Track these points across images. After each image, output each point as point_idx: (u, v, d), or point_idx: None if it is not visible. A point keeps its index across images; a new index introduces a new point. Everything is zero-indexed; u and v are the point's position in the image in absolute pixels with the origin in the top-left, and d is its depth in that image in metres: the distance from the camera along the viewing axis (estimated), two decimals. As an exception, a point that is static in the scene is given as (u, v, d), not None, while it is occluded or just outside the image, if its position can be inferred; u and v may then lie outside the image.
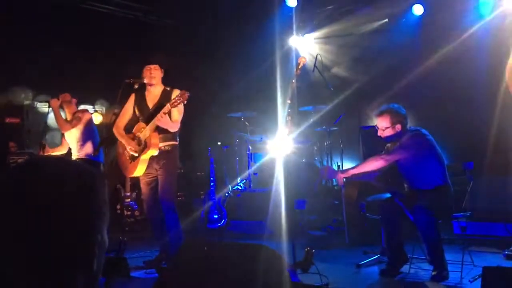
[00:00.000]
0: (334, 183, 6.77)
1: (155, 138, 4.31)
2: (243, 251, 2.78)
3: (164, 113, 4.19)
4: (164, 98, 4.45)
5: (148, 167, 4.44)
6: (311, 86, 7.13)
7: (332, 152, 7.06)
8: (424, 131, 3.96)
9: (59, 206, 0.84)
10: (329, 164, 7.06)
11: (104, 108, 8.11)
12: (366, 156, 5.40)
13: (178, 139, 4.55)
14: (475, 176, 5.22)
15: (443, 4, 7.07)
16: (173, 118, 4.40)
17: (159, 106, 4.38)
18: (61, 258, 0.83)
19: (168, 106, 4.19)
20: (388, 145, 4.11)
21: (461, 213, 4.09)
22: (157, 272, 4.08)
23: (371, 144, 5.94)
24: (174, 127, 4.39)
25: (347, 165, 7.21)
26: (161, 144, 4.40)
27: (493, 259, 4.31)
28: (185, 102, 4.23)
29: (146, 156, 4.36)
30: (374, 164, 3.87)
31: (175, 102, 4.18)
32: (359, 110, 7.26)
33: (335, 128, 7.05)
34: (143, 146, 4.37)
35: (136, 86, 4.50)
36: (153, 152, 4.34)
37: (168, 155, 4.43)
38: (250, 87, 7.45)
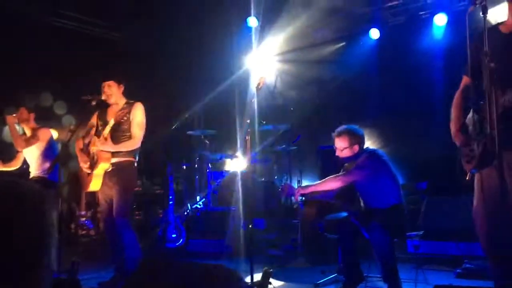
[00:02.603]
0: (293, 202, 6.82)
1: (104, 152, 4.27)
2: (201, 271, 2.75)
3: (105, 138, 4.23)
4: (125, 112, 4.42)
5: (103, 182, 4.39)
6: (271, 106, 7.21)
7: (291, 171, 7.12)
8: (380, 152, 4.08)
9: (4, 227, 0.82)
10: (289, 183, 7.11)
11: (72, 124, 7.94)
12: (323, 176, 5.46)
13: (136, 156, 4.47)
14: (429, 196, 5.41)
15: (398, 28, 7.36)
16: (133, 134, 4.35)
17: (117, 122, 4.37)
18: (5, 281, 0.81)
19: (112, 120, 4.22)
20: (346, 165, 4.19)
21: (415, 232, 4.20)
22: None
23: (328, 164, 6.04)
24: (131, 145, 4.35)
25: (306, 183, 7.29)
26: (115, 160, 4.35)
27: (445, 277, 4.42)
28: (129, 114, 4.25)
29: (98, 171, 4.31)
30: (332, 184, 3.94)
31: (117, 116, 4.23)
32: (317, 130, 7.37)
33: (294, 148, 7.13)
34: (95, 161, 4.32)
35: (94, 103, 4.42)
36: (104, 166, 4.30)
37: (123, 172, 4.36)
38: (211, 105, 7.45)
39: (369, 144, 7.21)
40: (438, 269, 4.73)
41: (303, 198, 4.15)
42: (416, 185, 4.46)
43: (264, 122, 6.70)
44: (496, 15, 3.27)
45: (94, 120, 4.54)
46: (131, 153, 4.44)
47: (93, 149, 4.38)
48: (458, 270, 4.48)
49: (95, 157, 4.34)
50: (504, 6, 2.85)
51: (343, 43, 7.87)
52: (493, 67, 2.41)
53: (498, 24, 2.82)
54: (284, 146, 7.01)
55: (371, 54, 7.68)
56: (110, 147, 4.31)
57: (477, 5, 2.50)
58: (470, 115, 2.83)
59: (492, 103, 2.37)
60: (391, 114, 7.28)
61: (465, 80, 2.94)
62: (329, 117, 7.11)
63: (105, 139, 4.27)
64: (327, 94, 7.67)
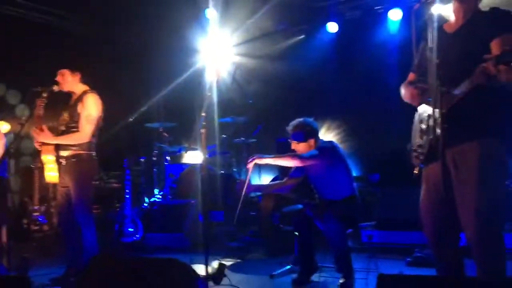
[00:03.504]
0: (253, 195, 6.85)
1: (46, 145, 4.27)
2: (153, 265, 2.74)
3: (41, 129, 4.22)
4: (78, 102, 4.34)
5: (60, 176, 4.32)
6: (231, 98, 7.20)
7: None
8: (335, 144, 4.15)
9: None
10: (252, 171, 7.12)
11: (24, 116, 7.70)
12: (281, 169, 5.53)
13: (90, 148, 4.37)
14: (382, 187, 5.56)
15: (355, 23, 7.47)
16: (80, 127, 4.26)
17: (70, 111, 4.33)
18: None
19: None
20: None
21: (368, 223, 4.32)
22: (63, 289, 3.90)
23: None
24: (75, 139, 4.28)
25: (265, 177, 7.34)
26: (67, 153, 4.28)
27: (397, 266, 4.57)
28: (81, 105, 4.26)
29: (46, 162, 4.30)
30: (290, 161, 3.93)
31: (69, 107, 4.26)
32: (276, 123, 7.42)
33: (253, 140, 7.16)
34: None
35: (44, 94, 4.30)
36: (45, 158, 4.29)
37: (76, 165, 4.27)
38: (171, 98, 7.37)
39: (328, 138, 7.41)
40: (390, 258, 4.88)
41: (260, 194, 4.17)
42: (369, 177, 4.58)
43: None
44: (448, 12, 3.36)
45: (40, 111, 4.39)
46: (86, 145, 4.34)
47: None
48: (408, 259, 4.65)
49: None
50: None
51: (302, 36, 7.93)
52: (438, 63, 2.48)
53: (444, 23, 2.89)
54: (243, 138, 7.03)
55: (329, 48, 7.77)
56: (48, 138, 4.24)
57: (423, 3, 2.56)
58: (419, 110, 2.91)
59: (437, 100, 2.44)
60: (349, 109, 7.41)
61: (411, 76, 3.01)
62: (288, 110, 7.17)
63: (41, 130, 4.20)
64: (286, 88, 7.72)
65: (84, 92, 4.39)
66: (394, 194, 5.16)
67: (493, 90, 2.51)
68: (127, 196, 5.90)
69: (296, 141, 4.10)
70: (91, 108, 4.32)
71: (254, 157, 4.00)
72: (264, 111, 7.42)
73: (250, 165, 3.99)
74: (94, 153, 4.41)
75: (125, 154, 6.58)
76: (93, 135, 4.37)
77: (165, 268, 2.70)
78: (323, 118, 7.62)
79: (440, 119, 2.38)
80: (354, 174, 6.80)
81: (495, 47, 2.49)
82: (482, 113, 2.56)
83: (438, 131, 2.38)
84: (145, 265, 2.78)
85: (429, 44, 2.52)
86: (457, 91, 2.50)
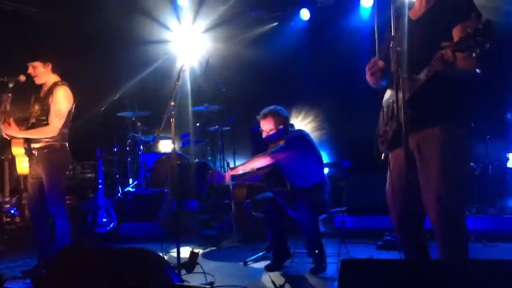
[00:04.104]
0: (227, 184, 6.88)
1: (16, 138, 4.23)
2: (123, 255, 2.74)
3: (8, 123, 4.17)
4: (48, 95, 4.28)
5: (30, 168, 4.28)
6: (203, 86, 7.18)
7: (224, 152, 7.17)
8: (305, 132, 4.19)
9: None
10: (222, 163, 7.17)
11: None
12: (254, 154, 5.58)
13: (62, 139, 4.33)
14: (354, 173, 5.64)
15: (327, 9, 7.50)
16: (49, 121, 4.22)
17: (41, 104, 4.28)
18: None
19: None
20: (272, 145, 4.27)
21: (338, 209, 4.39)
22: (32, 281, 3.86)
23: (260, 144, 6.14)
24: (44, 132, 4.23)
25: (239, 161, 7.36)
26: (36, 145, 4.24)
27: (367, 250, 4.67)
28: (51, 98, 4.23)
29: (16, 154, 4.27)
30: (261, 161, 4.00)
31: (40, 100, 4.22)
32: (250, 111, 7.45)
33: (227, 128, 7.17)
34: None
35: (11, 85, 4.22)
36: (15, 150, 4.26)
37: (48, 156, 4.23)
38: (143, 86, 7.30)
39: (302, 125, 7.50)
40: (362, 242, 4.98)
41: (233, 183, 4.19)
42: (340, 163, 4.65)
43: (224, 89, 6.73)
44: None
45: (7, 105, 4.31)
46: (58, 136, 4.29)
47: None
48: (379, 242, 4.75)
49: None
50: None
51: (275, 24, 7.92)
52: (399, 51, 2.52)
53: (409, 9, 2.91)
54: (217, 127, 7.03)
55: (302, 35, 7.80)
56: (16, 132, 4.21)
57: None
58: (385, 97, 2.96)
59: (399, 87, 2.48)
60: (322, 96, 7.48)
61: (380, 63, 3.03)
62: (262, 98, 7.18)
63: (9, 124, 4.15)
64: (260, 75, 7.72)
65: (55, 84, 4.32)
66: (364, 180, 5.24)
67: (455, 77, 2.56)
68: (100, 186, 5.86)
69: (266, 129, 4.13)
70: (61, 102, 4.27)
71: (228, 172, 4.14)
72: (238, 99, 7.42)
73: (228, 179, 4.12)
74: (66, 144, 4.38)
75: (98, 144, 6.52)
76: (65, 126, 4.33)
77: (136, 258, 2.71)
78: (297, 106, 7.68)
79: (402, 105, 2.43)
80: (327, 160, 6.94)
81: (455, 34, 2.53)
82: (444, 99, 2.61)
83: (401, 117, 2.43)
84: (115, 255, 2.78)
85: (392, 32, 2.56)
86: (418, 78, 2.54)
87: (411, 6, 2.87)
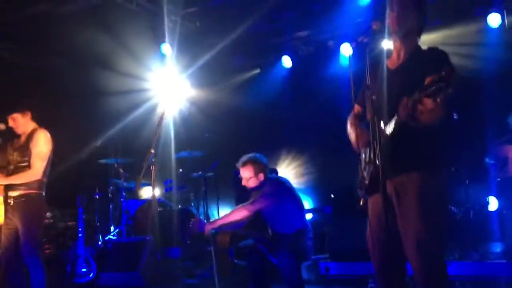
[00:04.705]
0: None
1: None
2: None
3: None
4: (28, 141, 4.26)
5: (5, 217, 4.18)
6: (186, 132, 7.21)
7: (208, 198, 7.12)
8: (283, 178, 4.21)
9: None
10: (205, 210, 7.09)
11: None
12: (240, 202, 5.55)
13: (39, 187, 4.28)
14: (337, 218, 5.62)
15: (309, 58, 7.68)
16: (31, 164, 4.17)
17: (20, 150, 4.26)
18: None
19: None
20: (253, 193, 4.27)
21: (321, 255, 4.34)
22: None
23: (245, 189, 6.13)
24: (27, 177, 4.17)
25: (223, 210, 7.30)
26: (16, 193, 4.17)
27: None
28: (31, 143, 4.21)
29: None
30: (238, 215, 4.02)
31: (18, 146, 4.21)
32: (234, 157, 7.47)
33: (211, 174, 7.15)
34: None
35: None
36: None
37: (25, 205, 4.16)
38: (125, 133, 7.29)
39: (284, 172, 7.52)
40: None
41: (214, 231, 4.16)
42: (323, 209, 4.63)
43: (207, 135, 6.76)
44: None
45: None
46: (36, 184, 4.24)
47: None
48: (364, 289, 4.68)
49: None
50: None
51: (257, 71, 8.07)
52: (374, 100, 2.58)
53: (387, 58, 3.00)
54: (200, 172, 7.01)
55: (284, 82, 7.93)
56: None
57: (360, 41, 2.68)
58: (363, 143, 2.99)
59: (375, 133, 2.53)
60: (304, 142, 7.54)
61: (357, 107, 3.11)
62: (244, 144, 7.22)
63: None
64: (242, 121, 7.79)
65: (34, 130, 4.32)
66: (346, 225, 5.21)
67: (426, 127, 2.59)
68: (80, 234, 5.74)
69: (245, 177, 4.15)
70: (42, 145, 4.26)
71: (207, 225, 4.13)
72: (221, 144, 7.45)
73: (207, 232, 4.12)
74: (43, 193, 4.31)
75: (79, 191, 6.43)
76: (44, 175, 4.29)
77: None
78: (282, 152, 7.74)
79: (378, 152, 2.47)
80: (310, 206, 6.92)
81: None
82: (421, 144, 2.63)
83: (378, 162, 2.45)
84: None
85: (367, 80, 2.63)
86: (388, 127, 2.59)
87: (389, 55, 2.96)
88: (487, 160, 5.82)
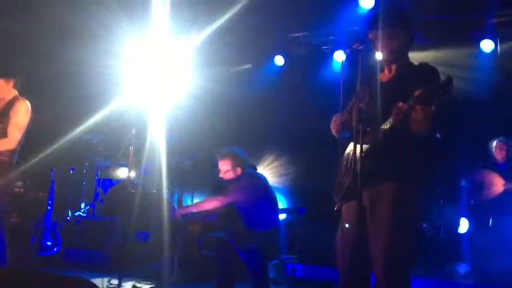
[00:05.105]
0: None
1: None
2: (57, 283, 2.60)
3: None
4: (8, 108, 4.16)
5: None
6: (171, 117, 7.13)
7: (184, 186, 7.06)
8: (260, 175, 4.20)
9: None
10: (180, 197, 7.03)
11: None
12: (213, 192, 5.54)
13: (11, 155, 4.18)
14: (310, 221, 5.64)
15: (302, 58, 7.67)
16: (8, 133, 4.09)
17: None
18: None
19: None
20: (229, 185, 4.25)
21: (290, 256, 4.35)
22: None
23: (221, 182, 6.11)
24: (3, 145, 4.08)
25: (197, 200, 7.25)
26: None
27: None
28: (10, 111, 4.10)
29: None
30: (210, 204, 4.03)
31: None
32: (215, 147, 7.43)
33: (189, 162, 7.08)
34: None
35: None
36: None
37: None
38: (109, 111, 7.16)
39: (267, 169, 7.52)
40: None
41: (185, 219, 4.16)
42: (297, 210, 4.64)
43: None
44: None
45: None
46: (8, 152, 4.14)
47: None
48: (327, 294, 4.70)
49: None
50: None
51: (249, 65, 8.02)
52: (362, 107, 2.58)
53: (380, 70, 3.01)
54: (179, 159, 6.94)
55: (274, 80, 7.89)
56: None
57: (354, 48, 2.68)
58: (347, 150, 2.99)
59: (358, 140, 2.53)
60: (289, 142, 7.54)
61: (345, 115, 3.11)
62: (228, 137, 7.19)
63: None
64: (228, 114, 7.74)
65: (16, 98, 4.23)
66: (318, 229, 5.24)
67: (414, 137, 2.62)
68: (49, 207, 5.65)
69: (223, 170, 4.13)
70: (22, 116, 4.18)
71: (178, 211, 4.28)
72: (204, 135, 7.39)
73: (178, 217, 4.27)
74: (15, 161, 4.23)
75: (54, 163, 6.32)
76: (19, 143, 4.20)
77: (69, 286, 2.58)
78: (262, 150, 7.72)
79: (359, 158, 2.47)
80: (284, 206, 6.93)
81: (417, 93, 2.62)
82: (401, 157, 2.65)
83: (357, 169, 2.46)
84: (49, 281, 2.64)
85: (357, 87, 2.63)
86: (379, 129, 2.60)
87: (381, 67, 2.98)
88: (463, 183, 5.90)
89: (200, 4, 6.58)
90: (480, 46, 6.31)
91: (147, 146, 6.86)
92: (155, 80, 6.70)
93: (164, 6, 6.61)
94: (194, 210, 4.03)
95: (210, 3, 6.38)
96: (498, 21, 6.19)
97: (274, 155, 7.70)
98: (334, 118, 2.95)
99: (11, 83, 4.27)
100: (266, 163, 7.65)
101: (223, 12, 6.61)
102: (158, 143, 7.07)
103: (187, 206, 4.14)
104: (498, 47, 6.30)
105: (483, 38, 6.30)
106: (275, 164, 7.69)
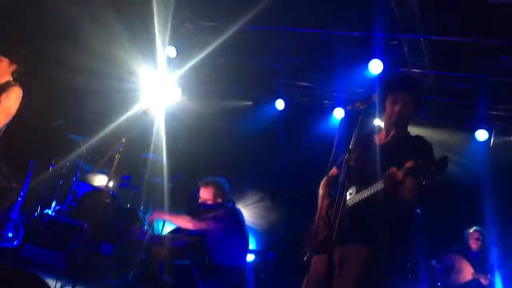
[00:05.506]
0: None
1: None
2: (5, 276, 2.51)
3: None
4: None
5: None
6: (162, 136, 7.13)
7: (159, 206, 6.97)
8: (238, 210, 4.17)
9: None
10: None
11: None
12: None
13: None
14: (279, 267, 5.58)
15: (302, 107, 7.77)
16: None
17: None
18: None
19: None
20: (203, 210, 4.21)
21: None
22: None
23: (197, 211, 6.04)
24: None
25: (168, 226, 7.14)
26: None
27: None
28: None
29: None
30: (184, 223, 4.01)
31: None
32: (198, 175, 7.40)
33: (170, 184, 7.03)
34: None
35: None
36: None
37: None
38: (101, 116, 7.14)
39: (247, 207, 7.48)
40: None
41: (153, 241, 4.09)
42: (266, 254, 4.59)
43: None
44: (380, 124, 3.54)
45: None
46: None
47: None
48: None
49: None
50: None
51: (250, 103, 8.10)
52: (351, 165, 2.60)
53: (377, 133, 3.06)
54: (160, 179, 6.90)
55: (272, 122, 7.97)
56: None
57: (356, 106, 2.73)
58: (328, 203, 3.00)
59: (342, 196, 2.54)
60: (276, 185, 7.54)
61: (334, 170, 3.15)
62: (215, 168, 7.15)
63: None
64: (221, 146, 7.76)
65: (9, 83, 4.19)
66: (283, 276, 5.17)
67: (397, 208, 2.64)
68: (20, 199, 5.52)
69: (203, 197, 4.11)
70: (12, 102, 4.13)
71: (155, 213, 4.19)
72: (191, 159, 7.38)
73: (152, 219, 4.24)
74: None
75: (35, 156, 6.23)
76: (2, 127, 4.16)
77: (22, 283, 2.49)
78: (246, 188, 7.70)
79: (340, 214, 2.47)
80: (254, 248, 6.85)
81: (409, 164, 2.65)
82: (380, 223, 2.66)
83: (334, 223, 2.45)
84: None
85: (351, 145, 2.66)
86: (358, 195, 2.61)
87: (378, 131, 3.04)
88: (433, 262, 5.89)
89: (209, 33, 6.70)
90: (475, 134, 6.45)
91: (132, 159, 6.85)
92: (155, 93, 6.73)
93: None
94: (168, 219, 4.00)
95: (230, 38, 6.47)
96: (495, 114, 6.36)
97: (257, 196, 7.68)
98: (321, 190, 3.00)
99: (13, 67, 4.25)
100: (248, 202, 7.62)
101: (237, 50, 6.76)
102: (143, 159, 7.06)
103: (164, 213, 4.09)
104: (492, 139, 6.44)
105: (479, 128, 6.44)
106: (256, 205, 7.66)
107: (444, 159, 2.28)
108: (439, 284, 5.69)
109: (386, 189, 2.47)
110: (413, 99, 2.83)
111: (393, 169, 2.44)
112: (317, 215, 2.95)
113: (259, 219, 7.54)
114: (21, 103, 4.22)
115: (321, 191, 3.11)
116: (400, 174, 2.40)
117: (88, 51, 6.59)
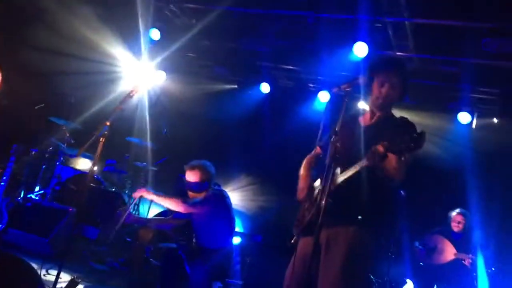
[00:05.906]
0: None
1: None
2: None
3: None
4: None
5: None
6: (146, 121, 7.07)
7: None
8: (225, 193, 4.17)
9: None
10: (138, 202, 6.90)
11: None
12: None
13: None
14: (265, 250, 5.62)
15: (287, 90, 7.77)
16: None
17: None
18: None
19: None
20: (190, 193, 4.20)
21: (235, 280, 4.29)
22: None
23: (183, 194, 6.02)
24: None
25: (154, 208, 7.13)
26: None
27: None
28: None
29: None
30: (174, 205, 3.97)
31: None
32: (183, 160, 7.37)
33: (154, 168, 7.00)
34: None
35: None
36: None
37: None
38: (85, 99, 7.05)
39: (234, 190, 7.49)
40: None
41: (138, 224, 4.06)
42: (253, 237, 4.62)
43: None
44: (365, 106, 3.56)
45: None
46: None
47: None
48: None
49: None
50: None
51: (235, 86, 8.06)
52: (338, 146, 2.61)
53: (361, 115, 3.07)
54: (145, 164, 6.86)
55: (257, 105, 7.95)
56: None
57: (342, 89, 2.74)
58: (316, 184, 3.01)
59: (328, 177, 2.55)
60: (262, 168, 7.55)
61: (317, 149, 3.16)
62: (200, 152, 7.13)
63: None
64: (206, 130, 7.73)
65: None
66: (269, 259, 5.21)
67: (381, 188, 2.67)
68: (2, 183, 5.44)
69: (190, 181, 4.09)
70: None
71: (143, 189, 4.08)
72: (176, 144, 7.34)
73: (137, 195, 4.09)
74: None
75: (18, 140, 6.13)
76: None
77: (8, 265, 2.48)
78: (232, 171, 7.70)
79: (326, 194, 2.49)
80: (242, 230, 6.88)
81: None
82: (365, 203, 2.69)
83: (321, 204, 2.47)
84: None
85: (337, 127, 2.67)
86: (343, 175, 2.63)
87: (363, 113, 3.05)
88: (416, 243, 5.99)
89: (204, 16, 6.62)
90: (458, 117, 6.51)
91: (116, 143, 6.79)
92: (140, 77, 6.65)
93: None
94: (155, 199, 3.95)
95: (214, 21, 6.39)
96: (478, 97, 6.42)
97: (243, 179, 7.70)
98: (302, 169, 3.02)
99: None
100: (237, 185, 7.63)
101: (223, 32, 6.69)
102: (129, 143, 7.00)
103: (151, 193, 4.02)
104: (474, 121, 6.51)
105: (461, 110, 6.50)
106: (243, 189, 7.68)
107: (422, 134, 2.32)
108: (421, 264, 5.79)
109: (369, 165, 2.50)
110: (400, 82, 2.85)
111: (376, 146, 2.47)
112: (300, 196, 2.96)
113: (246, 202, 7.57)
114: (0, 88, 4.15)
115: (302, 171, 3.11)
116: (381, 149, 2.43)
117: (62, 33, 6.47)
